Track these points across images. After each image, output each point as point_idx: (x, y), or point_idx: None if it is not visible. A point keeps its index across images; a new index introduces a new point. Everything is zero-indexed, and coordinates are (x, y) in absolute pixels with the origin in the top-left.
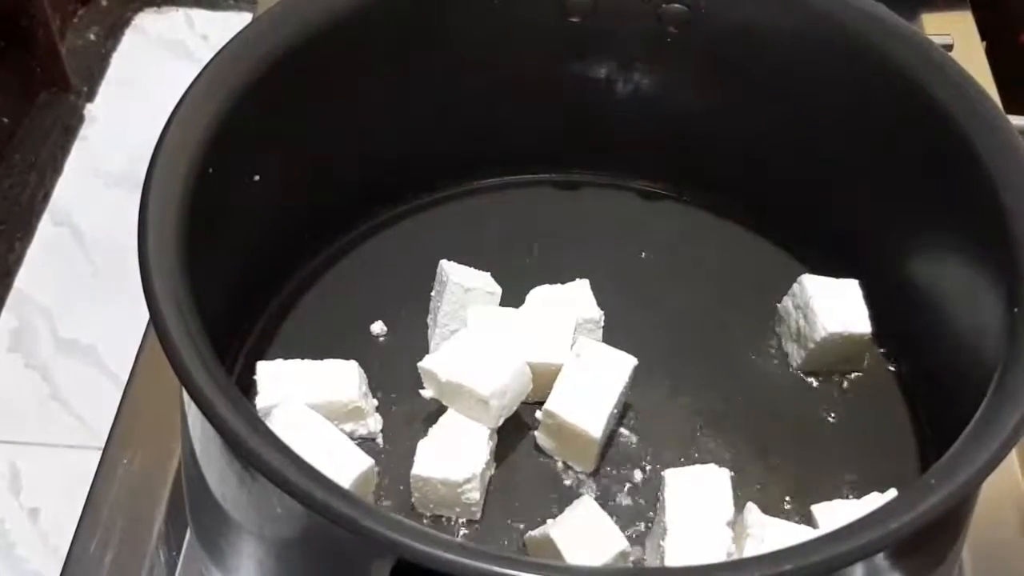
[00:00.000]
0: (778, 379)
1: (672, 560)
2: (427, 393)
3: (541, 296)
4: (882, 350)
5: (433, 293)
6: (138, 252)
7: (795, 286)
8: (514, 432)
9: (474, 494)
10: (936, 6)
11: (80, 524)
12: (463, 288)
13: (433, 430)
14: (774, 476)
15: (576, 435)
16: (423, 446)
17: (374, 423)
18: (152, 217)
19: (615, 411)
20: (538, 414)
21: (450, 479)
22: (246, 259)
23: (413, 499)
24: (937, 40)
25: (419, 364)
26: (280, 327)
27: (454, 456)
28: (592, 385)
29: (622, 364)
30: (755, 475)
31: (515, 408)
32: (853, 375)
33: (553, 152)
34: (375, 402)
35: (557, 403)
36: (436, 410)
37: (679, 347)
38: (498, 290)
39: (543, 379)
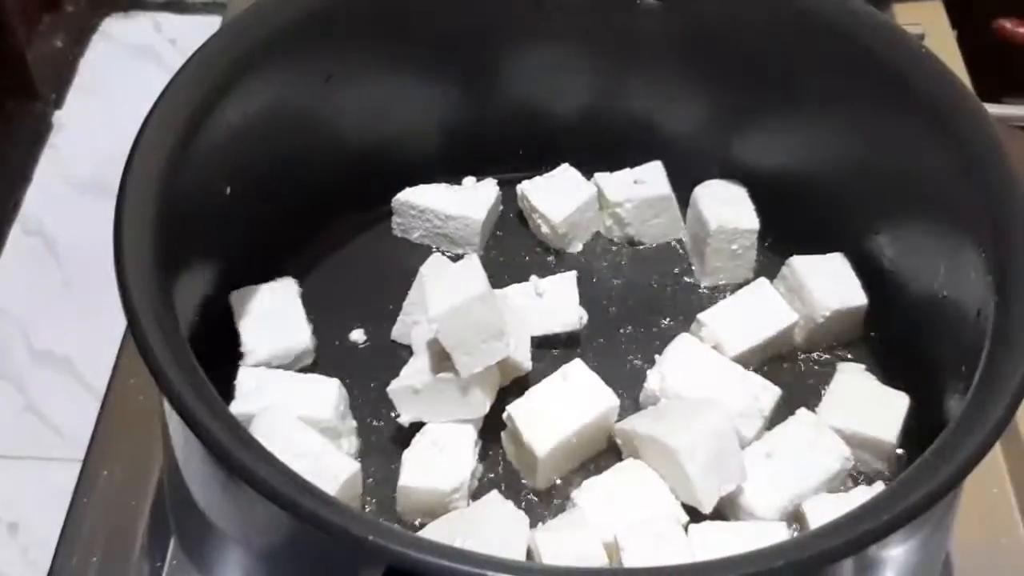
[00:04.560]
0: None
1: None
2: (406, 418)
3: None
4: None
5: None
6: (115, 262)
7: (784, 268)
8: (497, 434)
9: (461, 502)
10: None
11: (61, 537)
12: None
13: (417, 439)
14: None
15: (525, 448)
16: (408, 456)
17: (348, 445)
18: (128, 225)
19: (576, 440)
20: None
21: (438, 489)
22: (223, 265)
23: (398, 508)
24: (909, 30)
25: (388, 390)
26: None
27: (440, 465)
28: (560, 407)
29: (601, 400)
30: None
31: (493, 354)
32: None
33: (528, 150)
34: (353, 424)
35: (518, 410)
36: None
37: (662, 337)
38: None
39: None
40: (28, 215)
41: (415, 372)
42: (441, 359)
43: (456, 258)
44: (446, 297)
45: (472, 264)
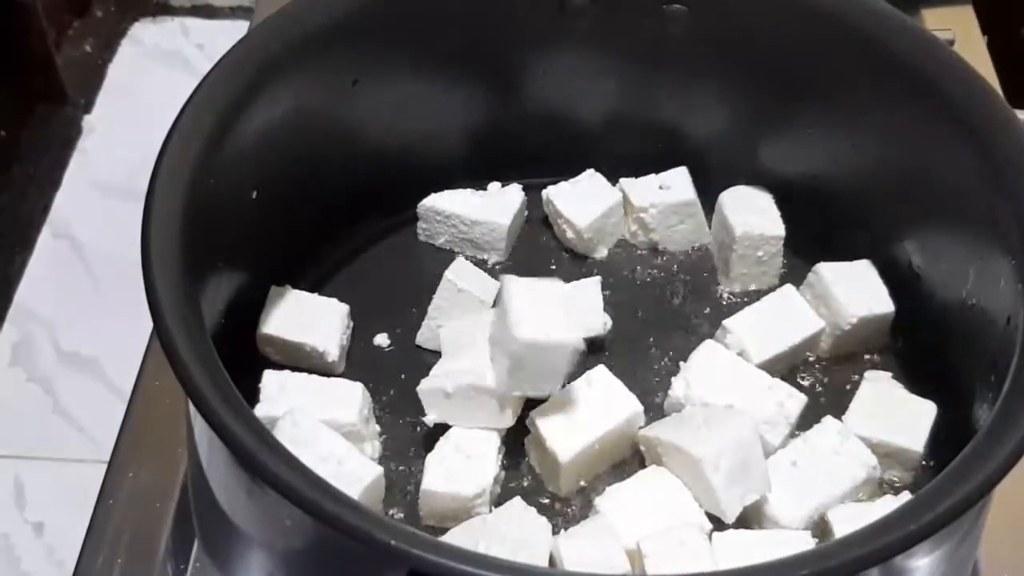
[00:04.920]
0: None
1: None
2: (431, 418)
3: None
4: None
5: None
6: (142, 265)
7: (810, 275)
8: (521, 440)
9: (484, 508)
10: (937, 1)
11: (86, 538)
12: (456, 287)
13: (441, 443)
14: None
15: (548, 454)
16: (432, 460)
17: (371, 449)
18: (155, 228)
19: (599, 446)
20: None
21: (461, 494)
22: (248, 268)
23: (421, 512)
24: (939, 35)
25: (418, 389)
26: None
27: (464, 470)
28: (584, 413)
29: (625, 406)
30: None
31: (539, 391)
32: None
33: (552, 155)
34: (377, 428)
35: (541, 416)
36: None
37: (687, 343)
38: (490, 299)
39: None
40: (57, 218)
41: (447, 373)
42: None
43: (481, 263)
44: (539, 325)
45: (566, 297)
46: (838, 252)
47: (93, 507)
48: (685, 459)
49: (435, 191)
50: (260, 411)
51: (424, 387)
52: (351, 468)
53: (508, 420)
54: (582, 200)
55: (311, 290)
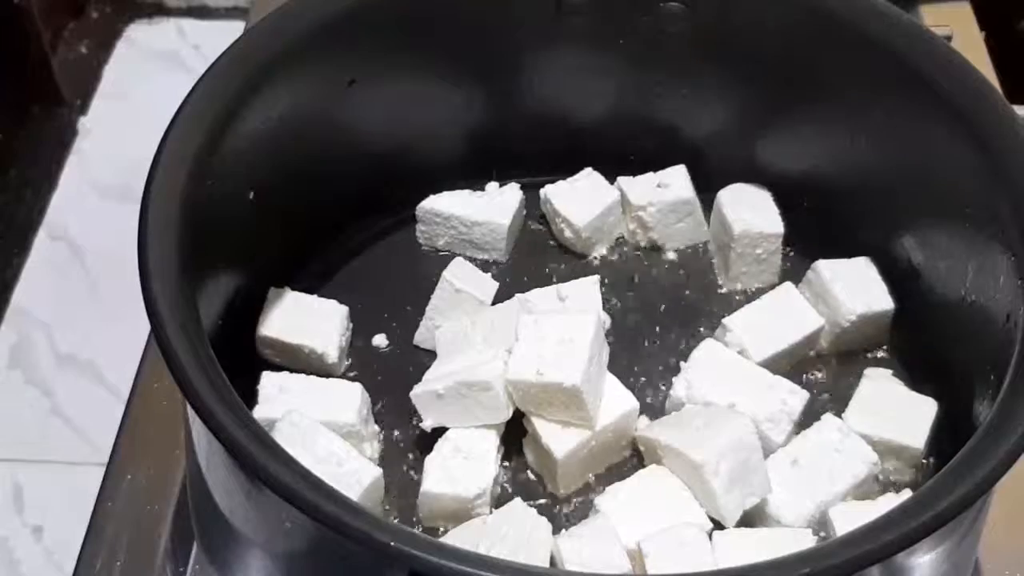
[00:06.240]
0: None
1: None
2: (428, 423)
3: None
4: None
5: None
6: (139, 267)
7: (809, 273)
8: (520, 441)
9: (484, 509)
10: None
11: (85, 541)
12: (454, 287)
13: (440, 445)
14: None
15: (544, 451)
16: (431, 462)
17: (370, 449)
18: (152, 230)
19: (595, 443)
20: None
21: (461, 495)
22: (246, 269)
23: (421, 514)
24: (937, 32)
25: (411, 394)
26: None
27: (463, 471)
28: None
29: (620, 403)
30: None
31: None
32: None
33: (550, 154)
34: (376, 428)
35: (537, 415)
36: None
37: (686, 342)
38: (488, 299)
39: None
40: (53, 220)
41: (438, 377)
42: None
43: (481, 263)
44: (532, 363)
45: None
46: (837, 249)
47: (92, 510)
48: (685, 463)
49: (433, 191)
50: (258, 413)
51: (417, 392)
52: (350, 469)
53: (503, 413)
54: (580, 199)
55: (310, 291)
